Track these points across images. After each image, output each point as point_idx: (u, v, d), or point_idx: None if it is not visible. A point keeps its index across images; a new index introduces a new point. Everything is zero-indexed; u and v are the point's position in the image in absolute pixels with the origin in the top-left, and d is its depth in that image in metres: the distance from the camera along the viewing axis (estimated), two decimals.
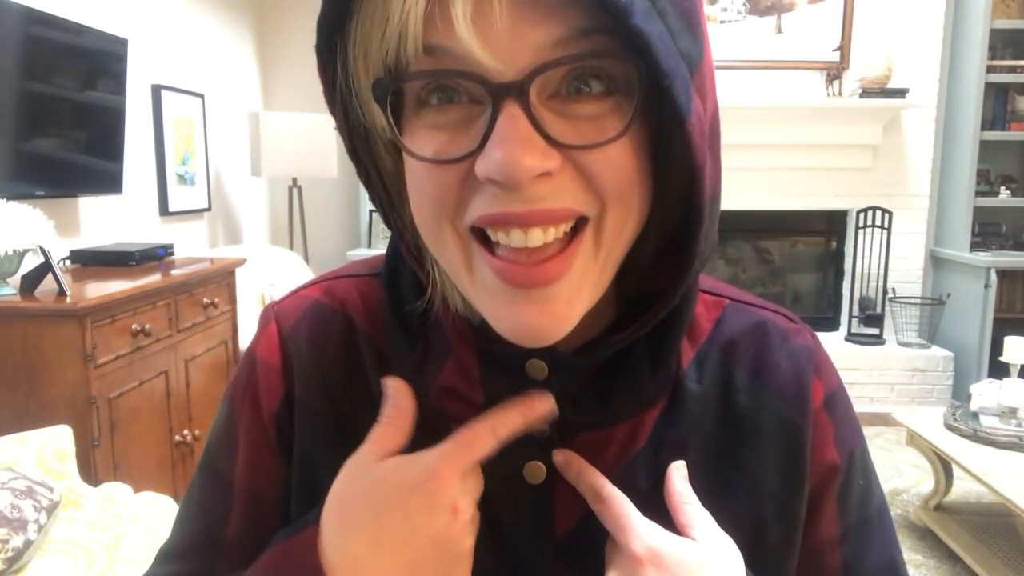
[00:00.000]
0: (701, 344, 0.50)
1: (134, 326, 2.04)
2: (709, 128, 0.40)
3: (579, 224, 0.39)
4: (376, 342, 0.51)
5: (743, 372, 0.50)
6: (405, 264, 0.49)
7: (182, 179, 3.21)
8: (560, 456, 0.46)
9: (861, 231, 4.20)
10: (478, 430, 0.43)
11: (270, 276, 3.35)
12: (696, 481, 0.47)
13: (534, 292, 0.39)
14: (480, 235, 0.39)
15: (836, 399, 0.51)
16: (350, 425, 0.47)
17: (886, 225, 4.13)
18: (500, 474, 0.45)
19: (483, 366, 0.46)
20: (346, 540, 0.42)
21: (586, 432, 0.47)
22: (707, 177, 0.39)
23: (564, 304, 0.39)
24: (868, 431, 3.69)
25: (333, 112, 0.44)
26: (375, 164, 0.46)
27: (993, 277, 3.82)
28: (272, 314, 0.53)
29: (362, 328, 0.51)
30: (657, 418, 0.48)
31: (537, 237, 0.38)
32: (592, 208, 0.39)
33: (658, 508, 0.45)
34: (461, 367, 0.46)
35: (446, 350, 0.47)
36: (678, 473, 0.46)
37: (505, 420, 0.43)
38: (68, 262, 2.36)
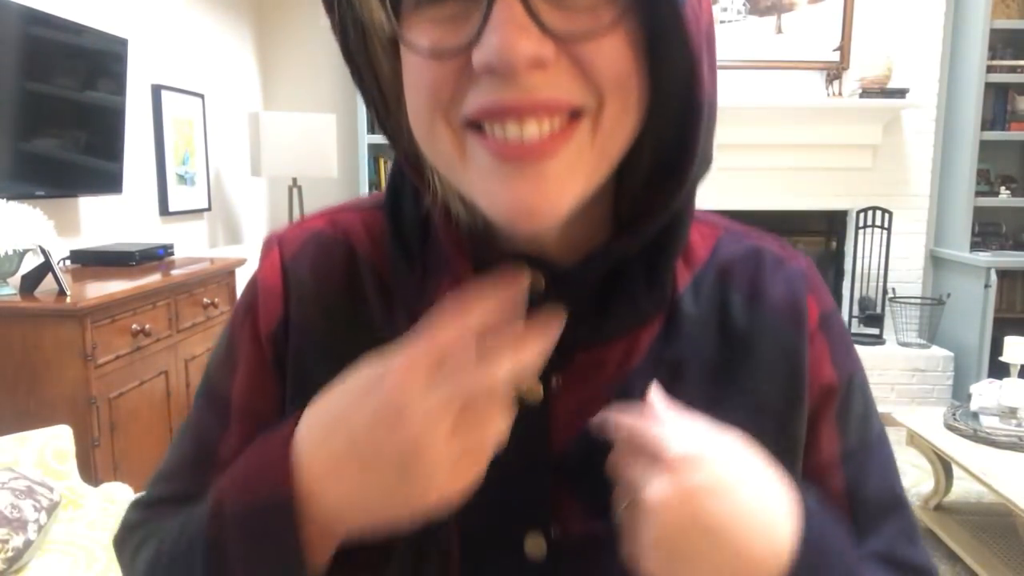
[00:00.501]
0: (697, 270, 0.51)
1: (134, 326, 2.04)
2: (706, 28, 0.40)
3: (575, 117, 0.39)
4: (379, 271, 0.51)
5: (739, 296, 0.50)
6: (407, 193, 0.50)
7: (182, 179, 3.21)
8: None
9: (861, 231, 4.20)
10: (444, 319, 0.40)
11: None
12: (694, 402, 0.45)
13: (528, 168, 0.39)
14: (475, 129, 0.40)
15: (832, 320, 0.52)
16: (347, 348, 0.45)
17: (886, 225, 4.13)
18: None
19: (479, 278, 0.44)
20: (311, 437, 0.41)
21: (582, 351, 0.47)
22: (705, 73, 0.39)
23: (556, 182, 0.39)
24: None
25: (328, 10, 0.43)
26: (371, 68, 0.45)
27: (993, 277, 3.82)
28: (275, 242, 0.54)
29: (365, 258, 0.51)
30: (654, 339, 0.49)
31: (532, 129, 0.38)
32: (588, 100, 0.39)
33: None
34: (457, 281, 0.46)
35: (443, 266, 0.48)
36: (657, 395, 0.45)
37: (474, 306, 0.40)
38: (68, 262, 2.36)
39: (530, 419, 0.45)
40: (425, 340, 0.39)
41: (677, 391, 0.46)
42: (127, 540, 0.53)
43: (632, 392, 0.47)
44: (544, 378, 0.46)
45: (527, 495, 0.47)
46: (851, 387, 0.52)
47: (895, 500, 0.53)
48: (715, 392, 0.49)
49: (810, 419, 0.50)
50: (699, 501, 0.39)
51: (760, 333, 0.50)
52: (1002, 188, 4.12)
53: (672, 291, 0.49)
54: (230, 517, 0.42)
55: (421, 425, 0.37)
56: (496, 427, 0.39)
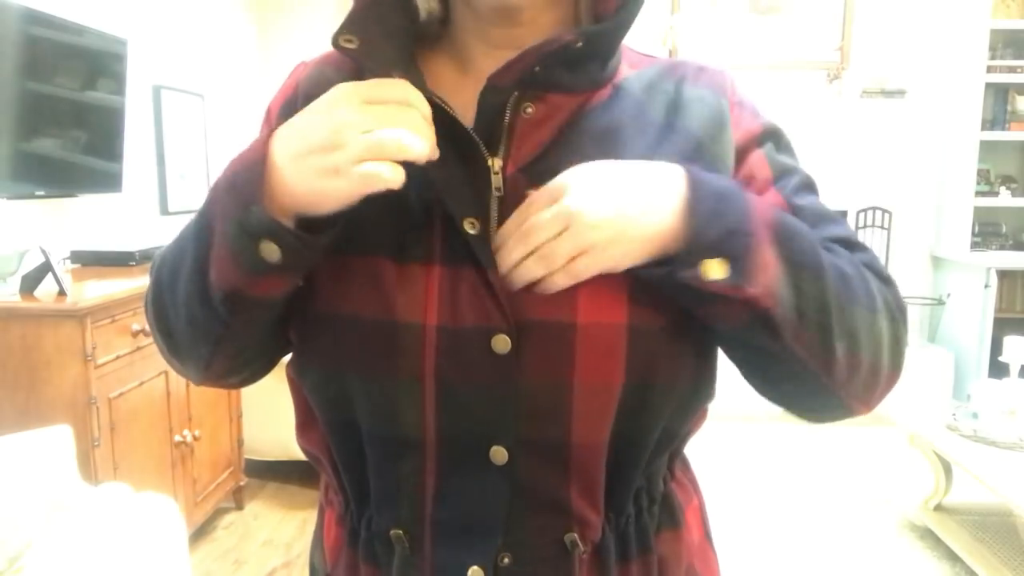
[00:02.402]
0: (640, 68, 0.65)
1: (134, 326, 2.04)
2: None
3: None
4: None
5: (672, 82, 0.63)
6: None
7: (182, 179, 3.21)
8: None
9: (861, 231, 4.20)
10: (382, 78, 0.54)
11: None
12: (637, 147, 0.59)
13: None
14: None
15: (745, 97, 0.66)
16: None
17: (886, 225, 4.13)
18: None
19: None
20: (280, 133, 0.53)
21: (553, 94, 0.59)
22: None
23: None
24: (868, 431, 3.69)
25: None
26: None
27: (993, 277, 3.82)
28: (303, 61, 0.72)
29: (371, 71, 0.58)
30: (601, 101, 0.61)
31: None
32: None
33: (607, 149, 0.58)
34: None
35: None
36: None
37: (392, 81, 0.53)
38: (68, 262, 2.36)
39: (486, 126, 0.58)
40: (365, 83, 0.52)
41: (618, 138, 0.59)
42: (152, 267, 0.64)
43: (579, 127, 0.59)
44: (515, 107, 0.58)
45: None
46: (772, 132, 0.64)
47: (829, 214, 0.63)
48: (653, 137, 0.60)
49: (740, 157, 0.62)
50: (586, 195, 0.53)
51: (691, 100, 0.62)
52: (1002, 188, 4.12)
53: (615, 75, 0.63)
54: (219, 183, 0.56)
55: (343, 114, 0.50)
56: (410, 148, 0.49)
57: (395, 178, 0.49)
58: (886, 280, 0.60)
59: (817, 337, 0.54)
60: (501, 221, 0.55)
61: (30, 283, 1.93)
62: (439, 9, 0.65)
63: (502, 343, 0.53)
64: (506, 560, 0.57)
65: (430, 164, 0.52)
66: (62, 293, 1.87)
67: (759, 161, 0.62)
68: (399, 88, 0.51)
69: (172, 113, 3.11)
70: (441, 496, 0.57)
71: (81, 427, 1.83)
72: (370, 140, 0.49)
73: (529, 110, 0.58)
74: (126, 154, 2.63)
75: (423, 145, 0.50)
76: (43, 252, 1.91)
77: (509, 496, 0.56)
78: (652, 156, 0.57)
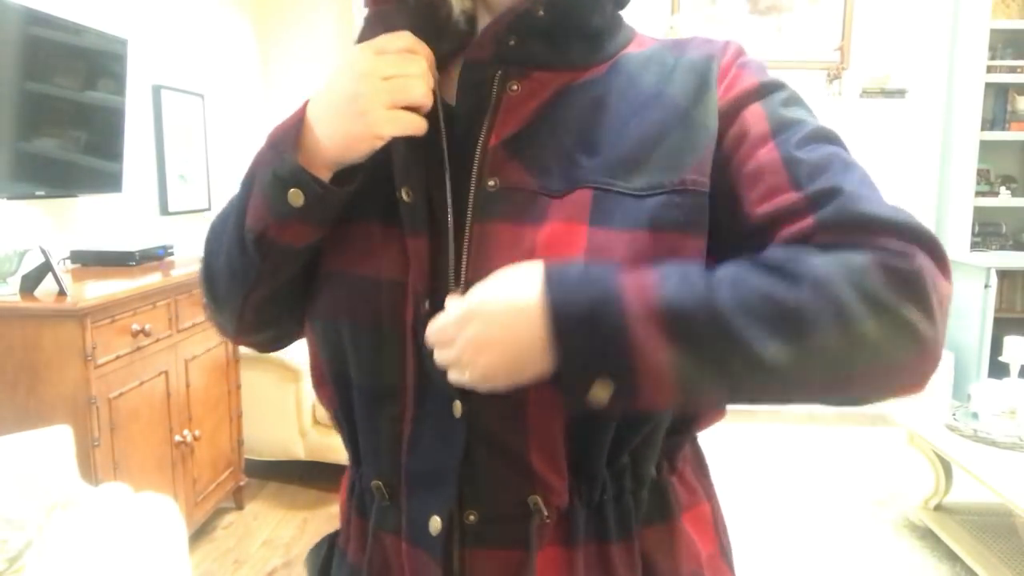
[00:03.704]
0: (644, 48, 0.66)
1: (134, 326, 2.04)
2: None
3: None
4: None
5: (674, 55, 0.64)
6: None
7: (182, 179, 3.21)
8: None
9: None
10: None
11: None
12: (617, 116, 0.61)
13: None
14: None
15: (751, 63, 0.63)
16: None
17: None
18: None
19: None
20: (314, 96, 0.61)
21: (538, 70, 0.62)
22: None
23: None
24: (868, 431, 3.69)
25: None
26: None
27: (993, 277, 3.82)
28: None
29: None
30: (597, 76, 0.63)
31: None
32: None
33: (587, 120, 0.61)
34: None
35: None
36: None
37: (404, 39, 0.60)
38: (68, 262, 2.36)
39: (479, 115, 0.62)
40: (382, 40, 0.60)
41: (601, 110, 0.61)
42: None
43: (565, 102, 0.62)
44: (501, 85, 0.62)
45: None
46: (773, 86, 0.61)
47: (835, 164, 0.55)
48: (640, 106, 0.61)
49: (732, 115, 0.60)
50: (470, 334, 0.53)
51: (682, 68, 0.62)
52: (1002, 188, 4.12)
53: (618, 55, 0.65)
54: (265, 142, 0.62)
55: (360, 66, 0.58)
56: (416, 90, 0.58)
57: (418, 123, 0.59)
58: (877, 253, 0.49)
59: (767, 389, 0.52)
60: (454, 191, 0.61)
61: (30, 283, 1.93)
62: (471, 7, 0.68)
63: None
64: (471, 518, 0.59)
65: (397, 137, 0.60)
66: (62, 293, 1.87)
67: (755, 116, 0.59)
68: (403, 39, 0.60)
69: (172, 113, 3.11)
70: (413, 445, 0.60)
71: (81, 427, 1.83)
72: (386, 84, 0.57)
73: (515, 87, 0.62)
74: (126, 154, 2.63)
75: (424, 89, 0.59)
76: (43, 252, 1.91)
77: (465, 447, 0.57)
78: (629, 123, 0.60)
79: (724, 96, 0.61)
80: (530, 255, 0.55)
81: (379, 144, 0.59)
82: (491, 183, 0.60)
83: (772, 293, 0.48)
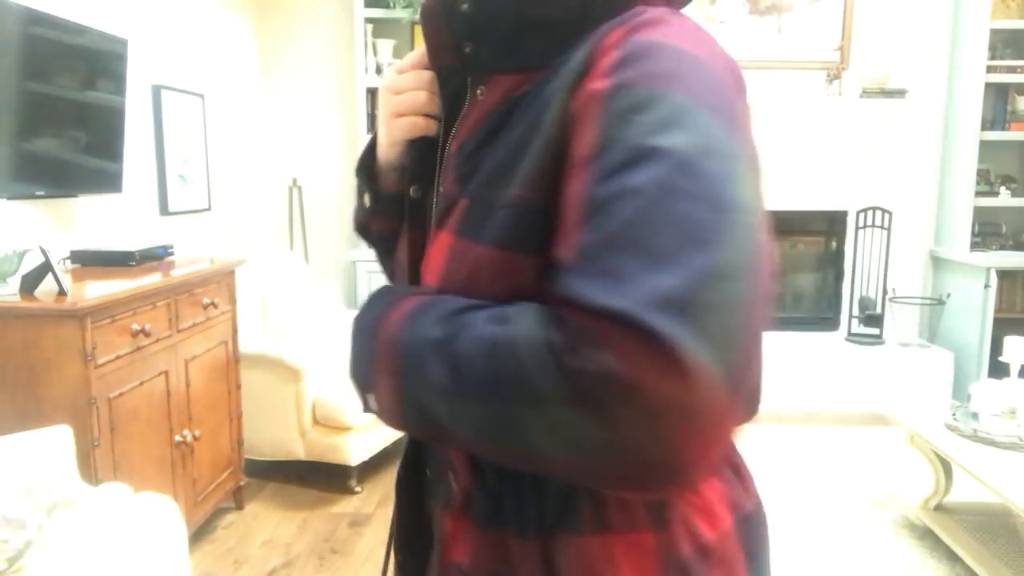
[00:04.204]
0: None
1: (134, 326, 2.04)
2: None
3: None
4: None
5: (582, 53, 0.55)
6: None
7: (182, 179, 3.21)
8: None
9: (861, 231, 4.20)
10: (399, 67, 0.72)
11: (270, 276, 3.35)
12: (518, 127, 0.57)
13: None
14: None
15: (649, 45, 0.50)
16: None
17: (886, 225, 4.13)
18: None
19: None
20: None
21: (500, 75, 0.62)
22: None
23: None
24: (868, 431, 3.69)
25: None
26: None
27: (993, 277, 3.82)
28: None
29: None
30: (543, 76, 0.57)
31: None
32: None
33: (501, 128, 0.59)
34: None
35: None
36: None
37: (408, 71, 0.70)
38: (68, 262, 2.36)
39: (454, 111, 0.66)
40: (392, 71, 0.71)
41: (510, 121, 0.58)
42: None
43: (507, 105, 0.60)
44: (472, 91, 0.64)
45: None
46: (623, 91, 0.48)
47: (626, 206, 0.44)
48: (538, 115, 0.55)
49: (578, 119, 0.50)
50: None
51: (574, 58, 0.54)
52: (1002, 188, 4.12)
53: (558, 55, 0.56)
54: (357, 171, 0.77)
55: (383, 91, 0.71)
56: (419, 99, 0.68)
57: (423, 126, 0.68)
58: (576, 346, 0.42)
59: (477, 442, 0.50)
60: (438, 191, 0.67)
61: (30, 283, 1.93)
62: None
63: None
64: (428, 472, 0.69)
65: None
66: (62, 293, 1.87)
67: (590, 129, 0.49)
68: (411, 58, 0.70)
69: (172, 113, 3.11)
70: None
71: (81, 427, 1.83)
72: (395, 97, 0.69)
73: (480, 92, 0.64)
74: (126, 154, 2.63)
75: (425, 98, 0.68)
76: (43, 252, 1.91)
77: None
78: (515, 129, 0.57)
79: (575, 97, 0.51)
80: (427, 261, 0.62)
81: (398, 147, 0.71)
82: (441, 189, 0.65)
83: (473, 360, 0.46)
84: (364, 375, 0.57)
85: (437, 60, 0.66)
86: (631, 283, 0.41)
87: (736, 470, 0.63)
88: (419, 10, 0.68)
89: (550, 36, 0.57)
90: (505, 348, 0.45)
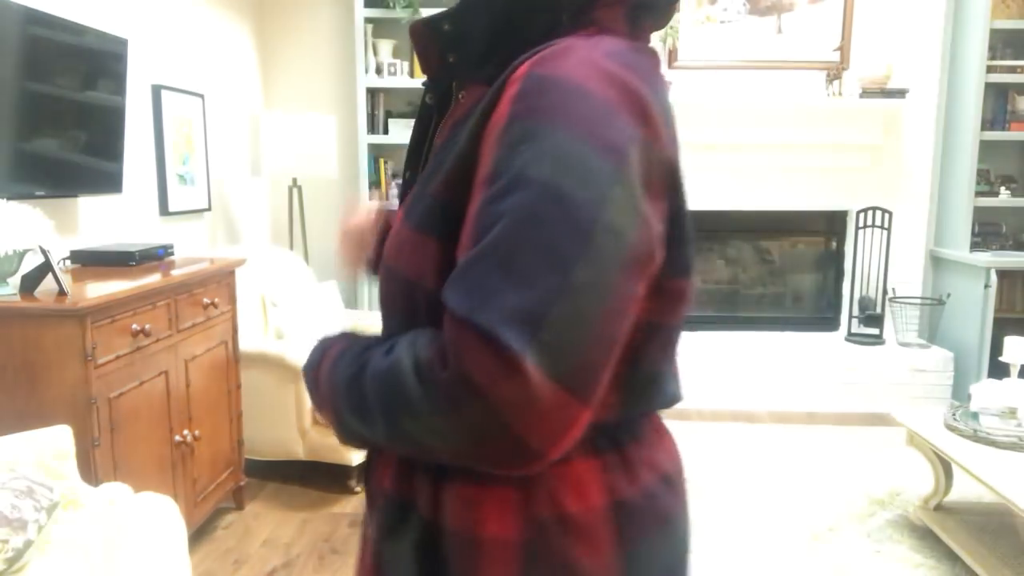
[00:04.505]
0: None
1: (134, 326, 2.04)
2: None
3: None
4: None
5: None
6: None
7: (182, 179, 3.21)
8: None
9: (861, 231, 4.20)
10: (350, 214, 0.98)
11: (270, 276, 3.35)
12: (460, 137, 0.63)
13: None
14: None
15: (542, 80, 0.56)
16: None
17: (886, 225, 4.13)
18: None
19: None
20: None
21: (475, 84, 0.67)
22: None
23: None
24: (868, 431, 3.69)
25: None
26: None
27: (993, 277, 3.82)
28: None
29: None
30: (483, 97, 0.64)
31: None
32: None
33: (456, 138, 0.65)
34: None
35: None
36: None
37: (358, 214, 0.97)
38: (68, 262, 2.36)
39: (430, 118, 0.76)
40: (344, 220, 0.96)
41: (455, 131, 0.65)
42: None
43: (471, 113, 0.63)
44: (456, 94, 0.71)
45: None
46: (514, 119, 0.55)
47: (484, 234, 0.53)
48: (463, 130, 0.63)
49: (483, 146, 0.58)
50: None
51: (498, 89, 0.60)
52: (1002, 188, 4.12)
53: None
54: None
55: (340, 240, 0.95)
56: (362, 249, 0.94)
57: (352, 270, 0.98)
58: (429, 367, 0.54)
59: (391, 445, 0.64)
60: None
61: (30, 283, 1.93)
62: None
63: None
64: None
65: None
66: (62, 293, 1.87)
67: (488, 154, 0.57)
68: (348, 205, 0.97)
69: (172, 113, 3.11)
70: None
71: (81, 427, 1.83)
72: (342, 238, 0.95)
73: (461, 96, 0.70)
74: (126, 154, 2.63)
75: (366, 240, 0.94)
76: (43, 252, 1.91)
77: None
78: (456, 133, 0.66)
79: (488, 122, 0.59)
80: None
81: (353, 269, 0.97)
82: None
83: (370, 388, 0.60)
84: (318, 412, 0.71)
85: (427, 67, 0.74)
86: (492, 299, 0.50)
87: (625, 459, 0.66)
88: (409, 29, 0.75)
89: (509, 57, 0.62)
90: (391, 376, 0.56)
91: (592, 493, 0.63)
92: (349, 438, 0.67)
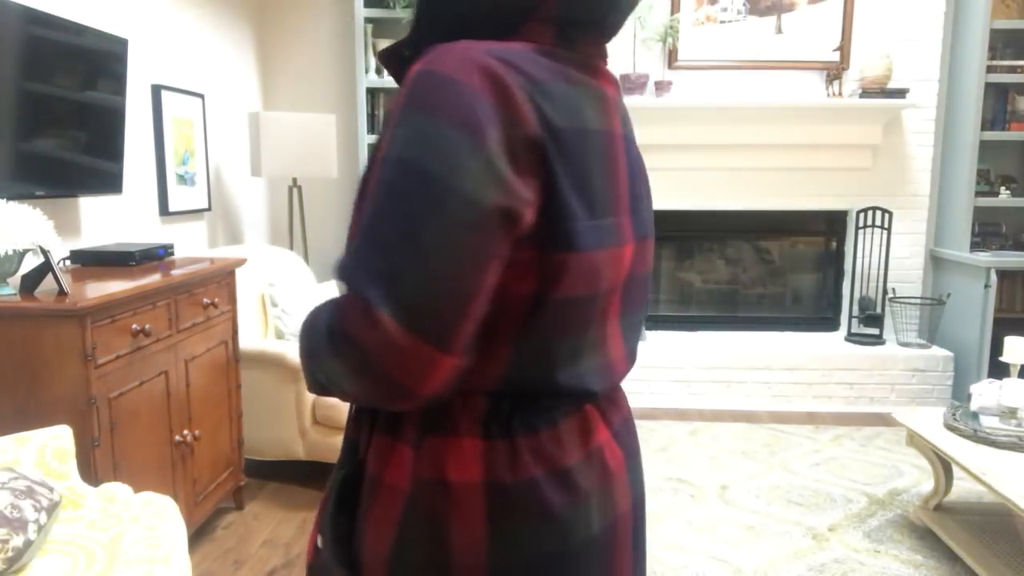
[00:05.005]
0: None
1: (134, 326, 2.04)
2: None
3: None
4: None
5: None
6: None
7: (182, 179, 3.21)
8: None
9: (861, 231, 4.20)
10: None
11: (270, 276, 3.35)
12: None
13: None
14: None
15: (421, 75, 0.64)
16: None
17: (886, 225, 4.14)
18: None
19: None
20: None
21: None
22: None
23: None
24: (868, 431, 3.69)
25: None
26: None
27: (993, 277, 3.82)
28: None
29: None
30: None
31: None
32: None
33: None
34: None
35: None
36: None
37: None
38: (68, 262, 2.36)
39: None
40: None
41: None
42: None
43: None
44: None
45: None
46: (393, 113, 0.65)
47: (361, 235, 0.63)
48: None
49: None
50: None
51: None
52: (1002, 188, 4.12)
53: None
54: None
55: None
56: None
57: None
58: (330, 324, 0.64)
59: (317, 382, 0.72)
60: None
61: (30, 283, 1.93)
62: None
63: None
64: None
65: None
66: (62, 293, 1.87)
67: (383, 145, 0.66)
68: None
69: (172, 113, 3.11)
70: None
71: (81, 427, 1.83)
72: None
73: None
74: (126, 154, 2.63)
75: None
76: (43, 252, 1.91)
77: None
78: None
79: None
80: None
81: None
82: None
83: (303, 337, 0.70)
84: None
85: (399, 83, 0.80)
86: (362, 264, 0.61)
87: (513, 447, 0.71)
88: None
89: None
90: (311, 325, 0.67)
91: (471, 469, 0.70)
92: (308, 382, 0.74)
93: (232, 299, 2.68)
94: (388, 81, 3.99)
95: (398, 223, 0.60)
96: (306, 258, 3.89)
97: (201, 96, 3.36)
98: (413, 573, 0.71)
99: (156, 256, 2.51)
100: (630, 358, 0.84)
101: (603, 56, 0.78)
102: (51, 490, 1.61)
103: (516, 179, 0.62)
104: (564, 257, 0.67)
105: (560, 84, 0.68)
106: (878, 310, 4.21)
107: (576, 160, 0.67)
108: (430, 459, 0.71)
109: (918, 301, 4.20)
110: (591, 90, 0.73)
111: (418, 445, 0.72)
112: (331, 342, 0.63)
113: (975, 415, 2.53)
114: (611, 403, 0.82)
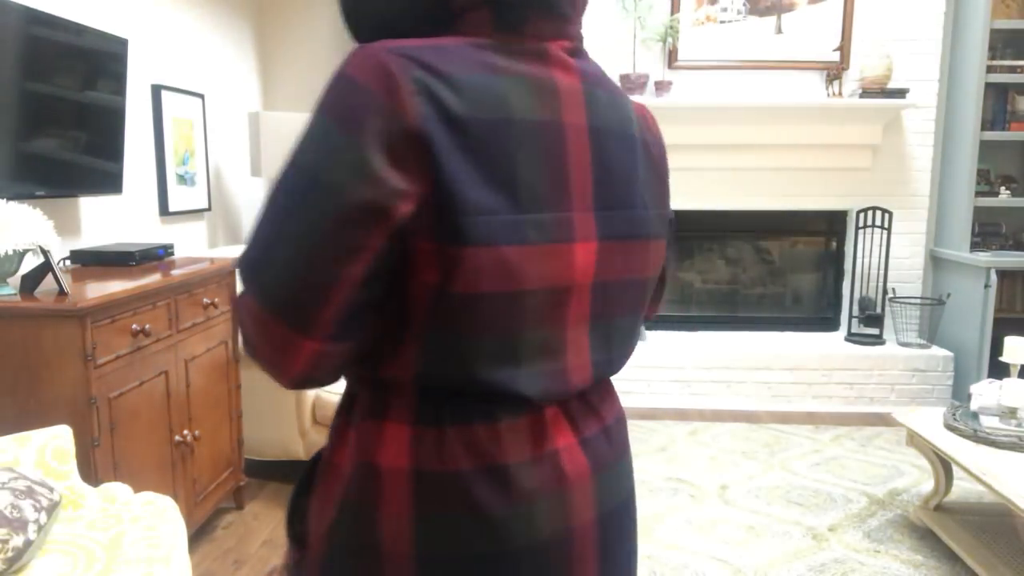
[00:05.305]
0: None
1: (134, 326, 2.04)
2: None
3: None
4: None
5: None
6: None
7: (182, 179, 3.21)
8: None
9: (861, 231, 4.20)
10: None
11: None
12: None
13: None
14: None
15: (330, 78, 0.66)
16: None
17: (886, 225, 4.14)
18: None
19: None
20: None
21: None
22: None
23: None
24: (868, 431, 3.69)
25: None
26: None
27: (993, 277, 3.82)
28: None
29: None
30: None
31: None
32: None
33: None
34: None
35: None
36: None
37: None
38: (68, 262, 2.36)
39: None
40: None
41: None
42: None
43: None
44: None
45: None
46: (312, 112, 0.67)
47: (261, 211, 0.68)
48: None
49: None
50: None
51: None
52: (1002, 188, 4.12)
53: None
54: None
55: None
56: None
57: None
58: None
59: None
60: None
61: (30, 283, 1.93)
62: None
63: None
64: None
65: None
66: (62, 293, 1.87)
67: None
68: None
69: (172, 113, 3.11)
70: None
71: (81, 427, 1.83)
72: None
73: None
74: (126, 154, 2.63)
75: None
76: (43, 252, 1.91)
77: None
78: None
79: None
80: None
81: None
82: None
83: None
84: None
85: None
86: (244, 253, 0.67)
87: (442, 437, 0.70)
88: None
89: None
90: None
91: (399, 455, 0.71)
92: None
93: (232, 299, 2.68)
94: None
95: (267, 213, 0.65)
96: None
97: (201, 96, 3.36)
98: (347, 554, 0.72)
99: (156, 256, 2.51)
100: (598, 368, 0.77)
101: (567, 38, 0.73)
102: (51, 490, 1.61)
103: (392, 172, 0.62)
104: (459, 250, 0.64)
105: (478, 75, 0.66)
106: (878, 310, 4.21)
107: (487, 151, 0.64)
108: (364, 443, 0.73)
109: (918, 301, 4.20)
110: (529, 79, 0.68)
111: (359, 431, 0.74)
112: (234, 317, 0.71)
113: (975, 415, 2.53)
114: (587, 410, 0.78)
